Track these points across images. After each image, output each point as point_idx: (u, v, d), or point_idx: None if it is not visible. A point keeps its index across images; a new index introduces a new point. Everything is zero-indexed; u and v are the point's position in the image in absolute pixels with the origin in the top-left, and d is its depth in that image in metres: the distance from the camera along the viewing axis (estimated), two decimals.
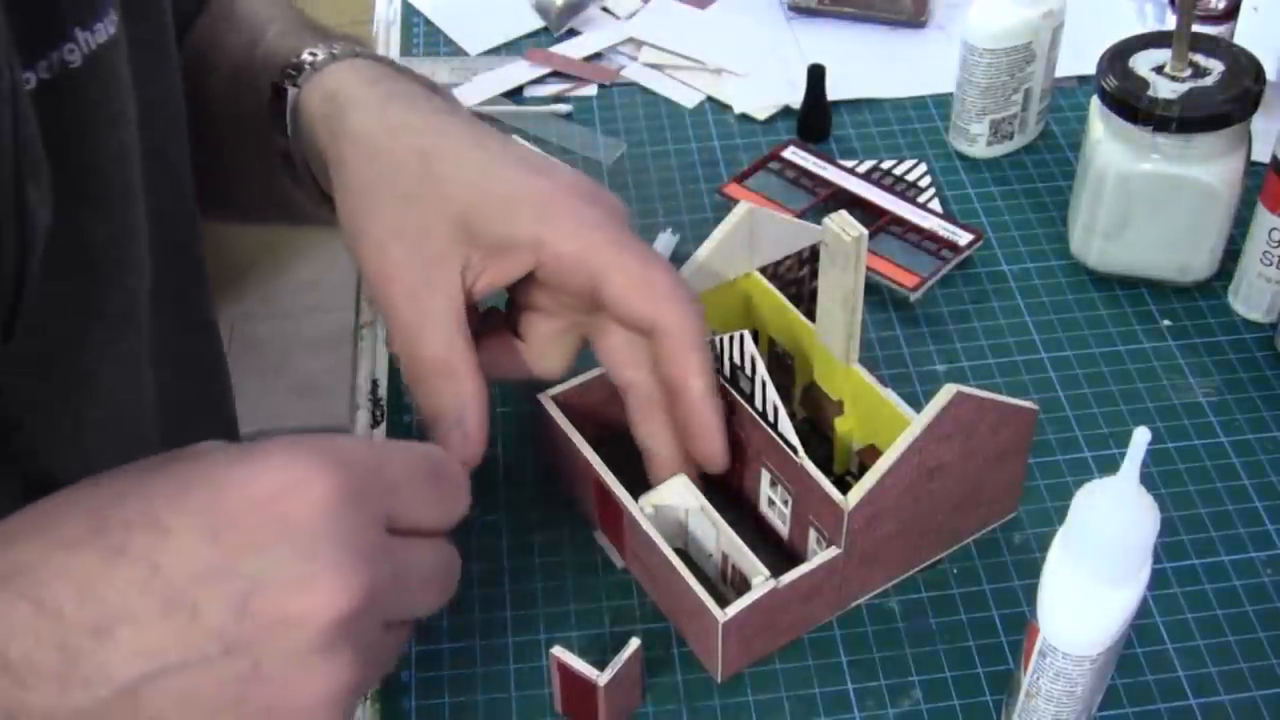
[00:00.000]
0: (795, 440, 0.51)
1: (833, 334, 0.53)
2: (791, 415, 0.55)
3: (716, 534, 0.52)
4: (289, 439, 0.41)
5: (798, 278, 0.60)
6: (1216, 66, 0.64)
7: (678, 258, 0.69)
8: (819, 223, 0.51)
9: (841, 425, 0.56)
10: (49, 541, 0.39)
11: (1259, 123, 0.64)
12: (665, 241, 0.71)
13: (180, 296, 0.60)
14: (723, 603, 0.49)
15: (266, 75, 0.59)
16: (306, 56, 0.58)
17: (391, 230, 0.52)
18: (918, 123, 0.80)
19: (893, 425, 0.52)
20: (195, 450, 0.42)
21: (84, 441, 0.54)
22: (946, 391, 0.49)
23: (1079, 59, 0.79)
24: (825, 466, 0.52)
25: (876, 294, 0.68)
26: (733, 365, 0.54)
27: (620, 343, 0.53)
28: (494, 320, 0.57)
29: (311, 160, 0.58)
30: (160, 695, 0.38)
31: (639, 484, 0.54)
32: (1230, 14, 0.74)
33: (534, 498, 0.59)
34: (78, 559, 0.39)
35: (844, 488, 0.50)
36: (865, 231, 0.49)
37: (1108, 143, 0.65)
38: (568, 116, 0.81)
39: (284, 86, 0.58)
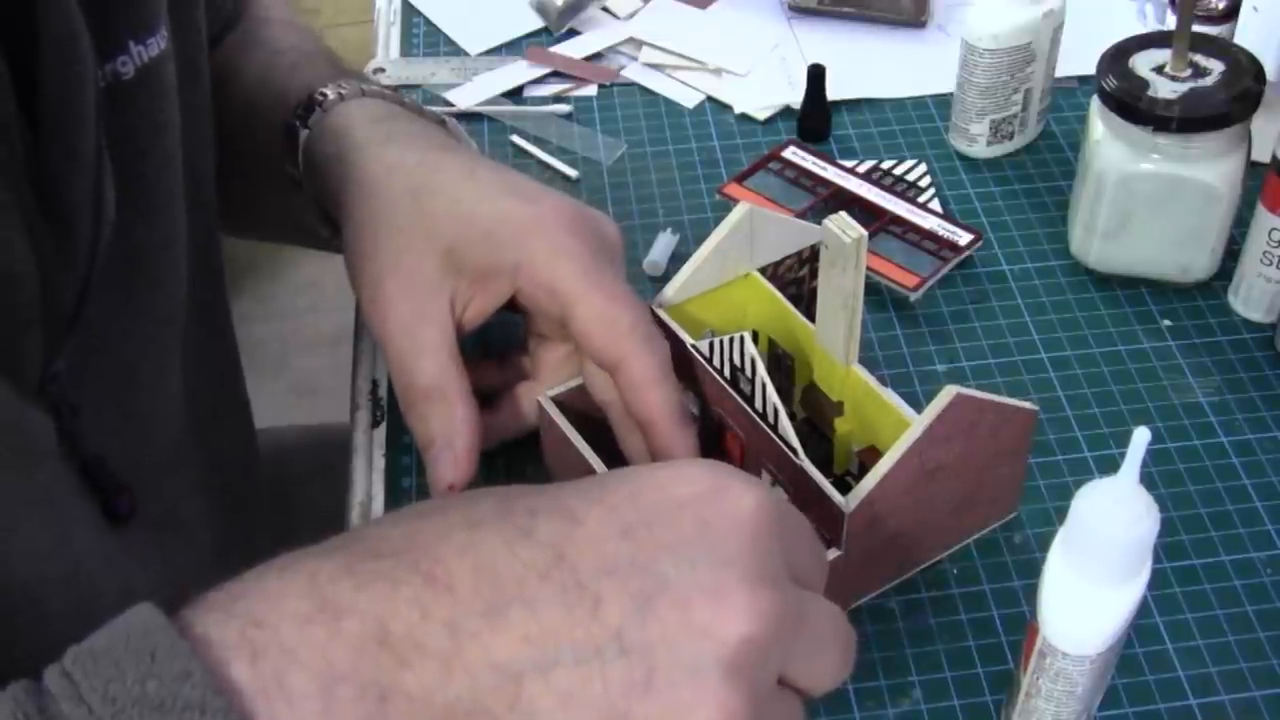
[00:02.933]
0: (795, 442, 0.51)
1: (832, 335, 0.53)
2: (791, 416, 0.55)
3: None
4: (715, 463, 0.40)
5: (797, 278, 0.60)
6: (1217, 66, 0.64)
7: (678, 258, 0.69)
8: (819, 223, 0.51)
9: (841, 426, 0.56)
10: (450, 521, 0.38)
11: (1259, 123, 0.64)
12: (665, 241, 0.71)
13: (205, 307, 0.62)
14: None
15: (278, 110, 0.63)
16: (317, 96, 0.61)
17: (385, 266, 0.54)
18: (918, 123, 0.80)
19: (893, 426, 0.52)
20: (611, 471, 0.41)
21: (128, 434, 0.56)
22: (947, 393, 0.49)
23: (1079, 59, 0.79)
24: (825, 467, 0.52)
25: (876, 294, 0.68)
26: (733, 367, 0.54)
27: (595, 367, 0.54)
28: (513, 365, 0.59)
29: (323, 197, 0.60)
30: (543, 690, 0.35)
31: None
32: (1230, 14, 0.74)
33: None
34: (479, 537, 0.37)
35: (844, 488, 0.50)
36: (865, 233, 0.49)
37: (1108, 143, 0.65)
38: (568, 116, 0.81)
39: (295, 125, 0.60)
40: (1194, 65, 0.64)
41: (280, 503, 0.78)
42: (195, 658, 0.33)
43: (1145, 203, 0.65)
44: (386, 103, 0.62)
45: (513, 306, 0.56)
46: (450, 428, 0.52)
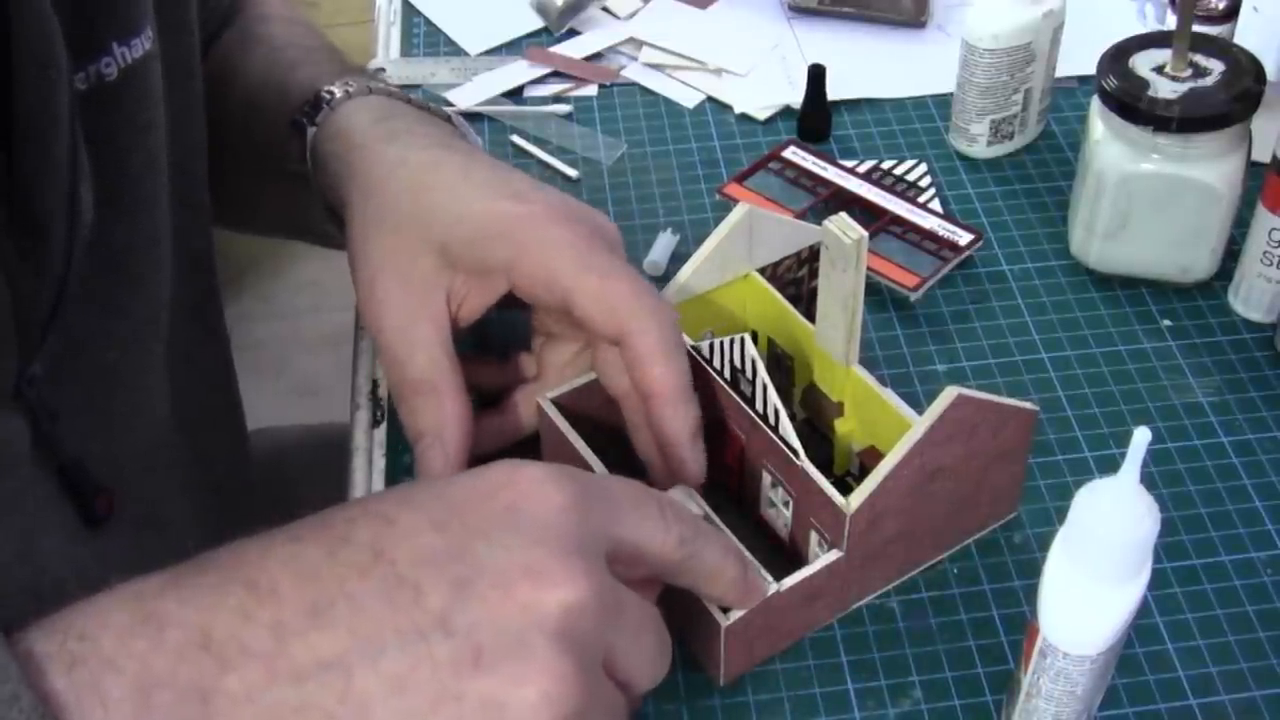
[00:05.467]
0: (796, 443, 0.51)
1: (833, 336, 0.53)
2: (791, 417, 0.55)
3: None
4: (515, 459, 0.41)
5: (796, 278, 0.60)
6: (1217, 66, 0.64)
7: (678, 258, 0.69)
8: (819, 222, 0.51)
9: (842, 426, 0.56)
10: (274, 537, 0.39)
11: (1259, 123, 0.64)
12: (665, 241, 0.71)
13: (195, 307, 0.63)
14: (724, 607, 0.49)
15: (282, 108, 0.63)
16: (324, 94, 0.61)
17: (381, 263, 0.55)
18: (918, 123, 0.80)
19: (893, 426, 0.52)
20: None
21: (108, 434, 0.56)
22: (947, 394, 0.49)
23: (1079, 59, 0.79)
24: (825, 468, 0.52)
25: (877, 294, 0.68)
26: (733, 368, 0.54)
27: (608, 355, 0.54)
28: (516, 365, 0.60)
29: (328, 194, 0.61)
30: (373, 679, 0.36)
31: None
32: (1230, 14, 0.74)
33: None
34: (299, 548, 0.39)
35: (844, 489, 0.50)
36: (865, 234, 0.49)
37: (1108, 143, 0.65)
38: (568, 116, 0.81)
39: (303, 123, 0.61)
40: (1194, 65, 0.64)
41: (279, 503, 0.78)
42: (24, 682, 0.34)
43: (1145, 203, 0.65)
44: (392, 100, 0.62)
45: (516, 304, 0.56)
46: (440, 421, 0.53)
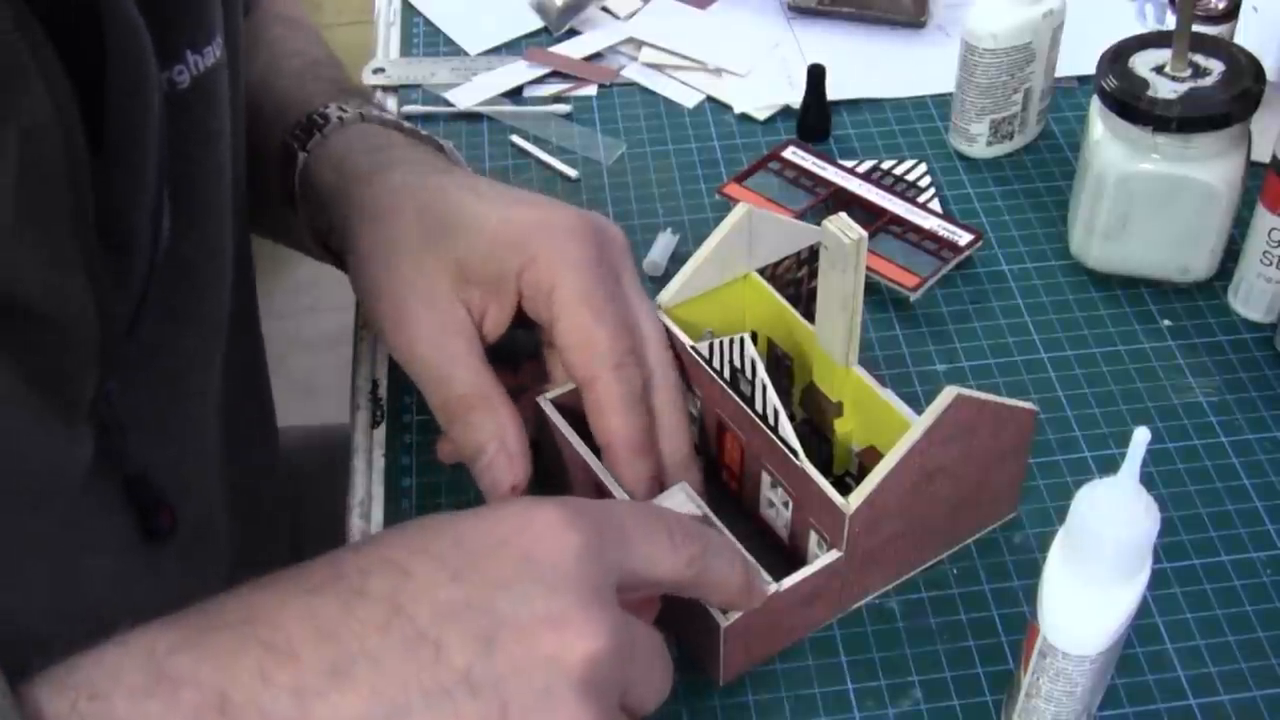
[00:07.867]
0: (796, 443, 0.51)
1: (832, 336, 0.53)
2: (791, 417, 0.55)
3: None
4: (525, 498, 0.41)
5: (796, 278, 0.60)
6: (1216, 66, 0.64)
7: (677, 258, 0.70)
8: (819, 222, 0.51)
9: (841, 427, 0.56)
10: (288, 588, 0.39)
11: (1259, 123, 0.64)
12: (665, 242, 0.71)
13: (238, 310, 0.62)
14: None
15: (278, 123, 0.62)
16: (317, 117, 0.61)
17: (404, 289, 0.54)
18: (918, 123, 0.80)
19: (893, 427, 0.52)
20: (426, 517, 0.42)
21: (168, 447, 0.55)
22: (947, 394, 0.49)
23: (1079, 59, 0.79)
24: (825, 468, 0.52)
25: (876, 294, 0.68)
26: (733, 368, 0.54)
27: None
28: (528, 372, 0.60)
29: (316, 216, 0.60)
30: None
31: None
32: (1230, 14, 0.74)
33: None
34: (316, 601, 0.38)
35: (844, 489, 0.50)
36: (865, 234, 0.49)
37: (1108, 143, 0.65)
38: (567, 116, 0.81)
39: (293, 146, 0.60)
40: (1194, 65, 0.64)
41: (286, 505, 0.77)
42: None
43: (1145, 203, 0.65)
44: (386, 129, 0.62)
45: (525, 321, 0.56)
46: (501, 430, 0.52)
